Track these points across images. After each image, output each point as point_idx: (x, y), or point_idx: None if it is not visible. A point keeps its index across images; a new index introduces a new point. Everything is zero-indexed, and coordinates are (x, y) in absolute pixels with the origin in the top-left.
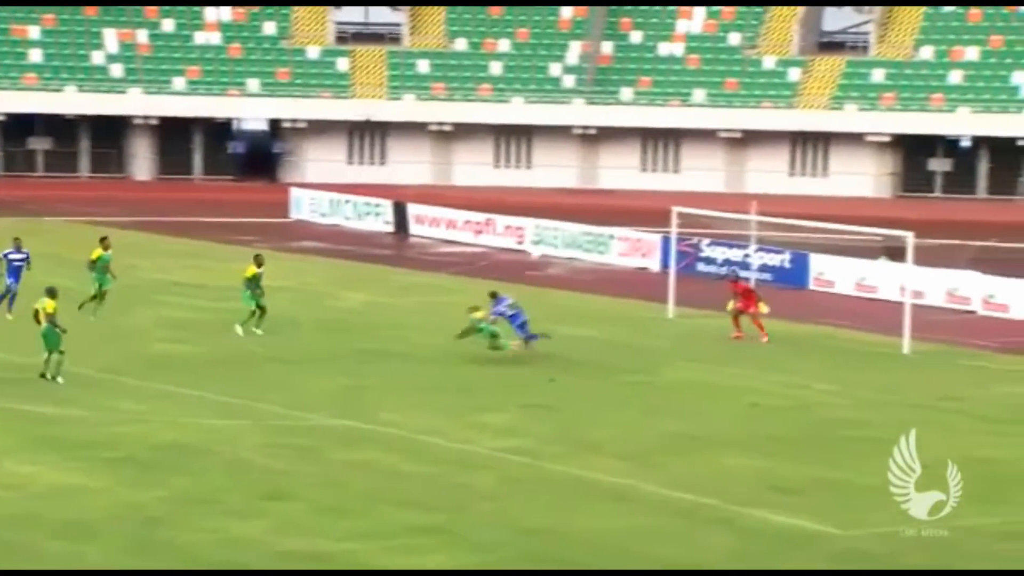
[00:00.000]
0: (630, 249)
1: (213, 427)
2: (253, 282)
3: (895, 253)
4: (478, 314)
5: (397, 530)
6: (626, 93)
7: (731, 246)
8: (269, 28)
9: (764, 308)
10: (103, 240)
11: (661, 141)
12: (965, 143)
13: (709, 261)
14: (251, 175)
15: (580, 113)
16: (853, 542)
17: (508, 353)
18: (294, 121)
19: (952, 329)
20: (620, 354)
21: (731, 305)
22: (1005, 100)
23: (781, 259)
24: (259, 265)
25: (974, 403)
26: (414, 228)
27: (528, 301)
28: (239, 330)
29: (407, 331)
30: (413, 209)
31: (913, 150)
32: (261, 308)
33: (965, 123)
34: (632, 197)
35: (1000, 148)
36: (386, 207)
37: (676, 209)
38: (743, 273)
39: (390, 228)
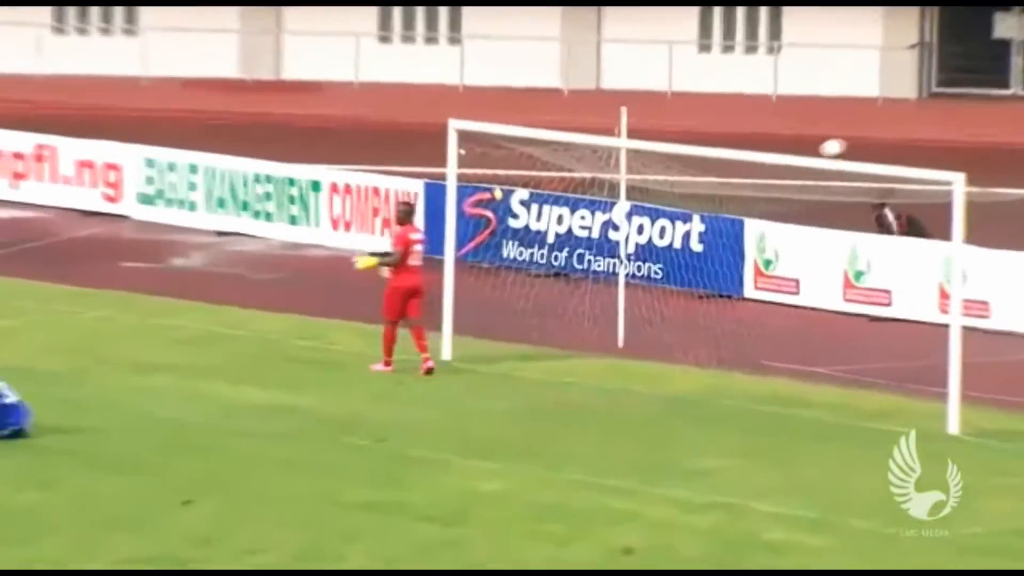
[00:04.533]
0: (358, 210)
1: None
2: None
3: (915, 221)
4: None
5: None
6: None
7: (574, 204)
8: None
9: (381, 271)
10: None
11: None
12: None
13: (525, 236)
14: None
15: None
16: None
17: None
18: None
19: None
20: (335, 440)
21: (370, 261)
22: None
23: (687, 232)
24: None
25: None
26: None
27: (127, 332)
28: None
29: None
30: None
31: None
32: None
33: None
34: (362, 97)
35: None
36: None
37: (456, 124)
38: (594, 263)
39: None
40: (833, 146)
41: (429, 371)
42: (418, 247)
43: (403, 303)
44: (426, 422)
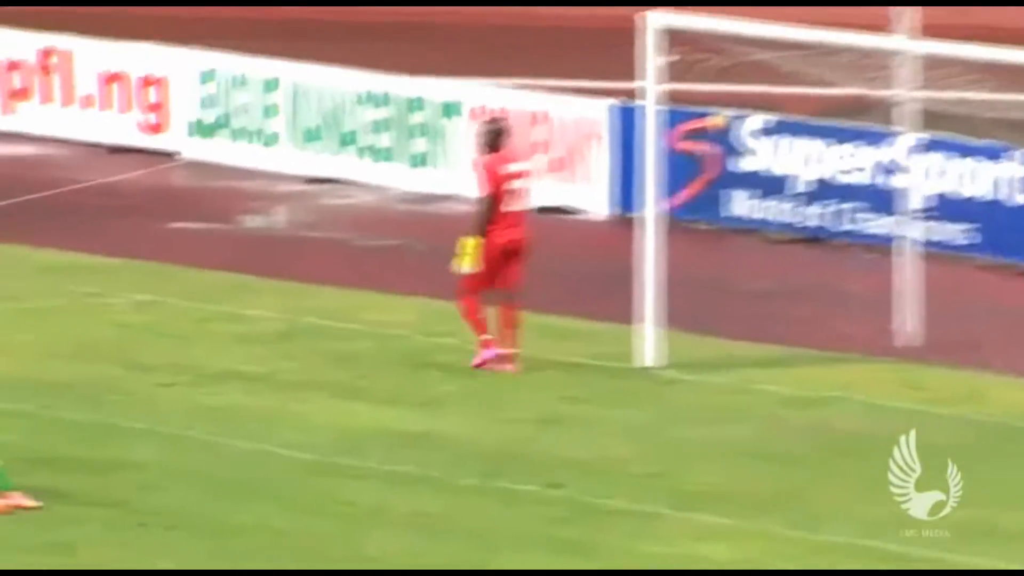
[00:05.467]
0: (521, 146)
1: None
2: None
3: None
4: None
5: None
6: None
7: (836, 136)
8: None
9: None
10: None
11: None
12: None
13: (762, 183)
14: None
15: None
16: None
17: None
18: None
19: None
20: (487, 485)
21: (469, 248)
22: None
23: (1006, 179)
24: None
25: None
26: None
27: (176, 325)
28: None
29: None
30: None
31: None
32: None
33: None
34: None
35: None
36: None
37: (656, 19)
38: (865, 223)
39: None
40: None
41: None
42: (517, 183)
43: (496, 265)
44: (620, 458)
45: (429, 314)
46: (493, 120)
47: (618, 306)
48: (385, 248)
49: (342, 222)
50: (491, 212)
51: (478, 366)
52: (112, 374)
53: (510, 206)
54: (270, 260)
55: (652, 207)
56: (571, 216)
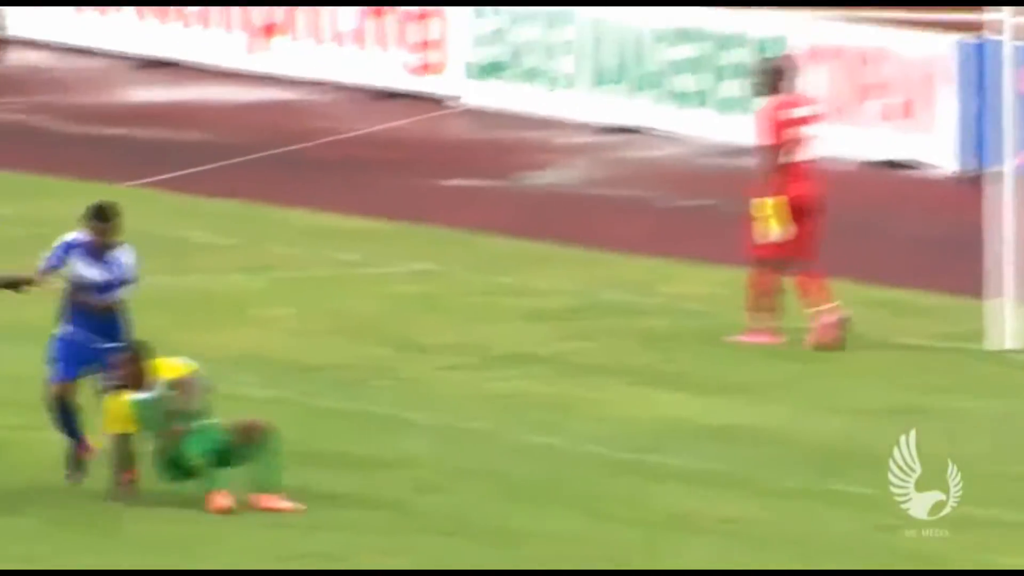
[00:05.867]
0: (843, 92)
1: None
2: None
3: None
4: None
5: None
6: None
7: None
8: None
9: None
10: None
11: None
12: None
13: None
14: None
15: None
16: None
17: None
18: None
19: None
20: (816, 485)
21: (771, 210)
22: None
23: None
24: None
25: None
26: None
27: (454, 298)
28: None
29: None
30: None
31: None
32: None
33: None
34: None
35: None
36: None
37: None
38: None
39: None
40: None
41: (829, 334)
42: (804, 129)
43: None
44: (978, 457)
45: (743, 287)
46: (771, 59)
47: (967, 278)
48: (692, 209)
49: (642, 178)
50: (775, 164)
51: (735, 341)
52: (382, 355)
53: (797, 156)
54: (559, 223)
55: (1009, 161)
56: (911, 171)
